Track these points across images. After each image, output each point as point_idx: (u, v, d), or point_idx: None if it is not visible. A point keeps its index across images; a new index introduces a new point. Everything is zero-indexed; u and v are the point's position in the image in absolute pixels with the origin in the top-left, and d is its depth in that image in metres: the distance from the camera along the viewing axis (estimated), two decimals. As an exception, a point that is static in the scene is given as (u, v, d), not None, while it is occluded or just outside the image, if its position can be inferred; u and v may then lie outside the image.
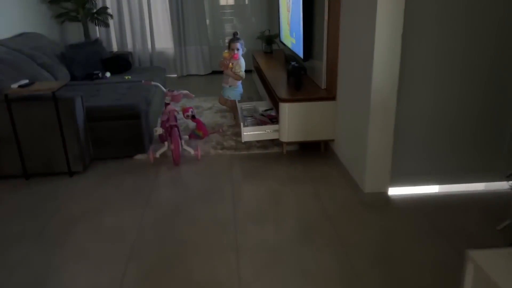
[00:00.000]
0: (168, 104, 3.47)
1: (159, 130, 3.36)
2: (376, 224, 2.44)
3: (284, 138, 3.26)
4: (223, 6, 6.45)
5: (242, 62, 3.85)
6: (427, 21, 2.41)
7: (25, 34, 4.51)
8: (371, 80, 2.39)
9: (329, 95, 3.18)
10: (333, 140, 3.27)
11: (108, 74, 4.49)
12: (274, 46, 5.28)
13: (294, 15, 3.85)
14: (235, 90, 3.98)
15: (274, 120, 3.65)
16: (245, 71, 3.94)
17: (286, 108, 3.16)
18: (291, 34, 4.10)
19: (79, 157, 3.15)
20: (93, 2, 5.74)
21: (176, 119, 3.39)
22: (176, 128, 3.31)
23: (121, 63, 4.72)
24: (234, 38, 3.86)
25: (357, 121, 2.71)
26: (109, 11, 5.93)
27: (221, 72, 4.08)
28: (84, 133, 3.20)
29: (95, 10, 5.76)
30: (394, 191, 2.72)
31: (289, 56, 4.46)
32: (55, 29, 5.65)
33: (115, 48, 6.30)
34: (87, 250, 2.28)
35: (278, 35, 5.04)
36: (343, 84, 3.00)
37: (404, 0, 2.25)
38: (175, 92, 3.46)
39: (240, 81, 3.97)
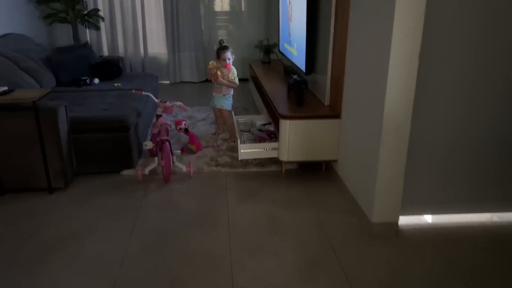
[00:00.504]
0: (159, 116, 3.23)
1: (149, 145, 3.11)
2: (385, 259, 2.22)
3: (284, 157, 3.03)
4: (219, 12, 6.23)
5: (233, 68, 3.68)
6: (447, 40, 2.21)
7: (10, 35, 4.25)
8: (384, 100, 2.17)
9: (333, 112, 2.97)
10: (336, 161, 3.05)
11: (96, 81, 4.23)
12: (273, 56, 5.07)
13: (296, 25, 3.64)
14: (228, 99, 3.77)
15: (272, 136, 3.43)
16: (240, 79, 3.75)
17: (287, 125, 2.93)
18: (292, 45, 3.89)
19: (61, 173, 2.88)
20: (84, 3, 5.48)
21: (168, 133, 3.15)
22: (167, 143, 3.07)
23: (111, 68, 4.47)
24: (223, 47, 3.62)
25: (365, 143, 2.49)
26: (101, 13, 5.68)
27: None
28: (67, 146, 2.94)
29: (85, 12, 5.49)
30: (405, 221, 2.50)
31: (288, 67, 4.25)
32: (43, 31, 5.38)
33: (105, 52, 6.04)
34: (62, 284, 2.02)
35: (277, 44, 4.83)
36: (349, 102, 2.78)
37: (423, 16, 2.05)
38: (168, 103, 3.22)
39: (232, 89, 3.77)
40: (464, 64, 2.27)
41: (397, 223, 2.41)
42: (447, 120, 2.36)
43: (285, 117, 2.93)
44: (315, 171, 3.22)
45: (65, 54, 4.31)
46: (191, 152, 3.50)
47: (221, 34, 6.31)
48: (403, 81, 2.14)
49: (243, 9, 6.21)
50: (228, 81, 3.65)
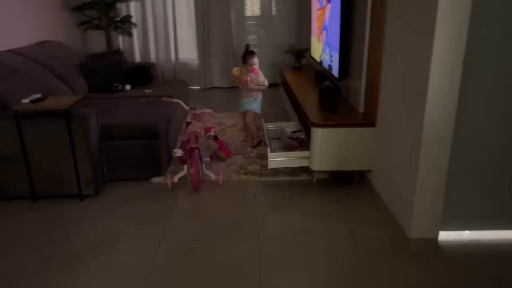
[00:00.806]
0: (189, 123, 3.20)
1: (178, 152, 3.09)
2: (424, 278, 2.08)
3: (315, 167, 2.93)
4: (249, 17, 6.18)
5: (259, 71, 3.63)
6: (493, 46, 2.07)
7: (45, 42, 4.34)
8: (424, 110, 2.05)
9: (368, 120, 2.85)
10: (370, 171, 2.93)
11: (128, 87, 4.26)
12: (304, 61, 4.98)
13: (330, 30, 3.54)
14: (258, 102, 3.73)
15: (303, 144, 3.33)
16: (270, 84, 3.71)
17: (319, 134, 2.83)
18: (324, 50, 3.79)
19: (91, 180, 2.90)
20: (117, 10, 5.56)
21: (197, 141, 3.11)
22: (197, 151, 3.03)
23: (142, 75, 4.50)
24: (250, 51, 3.58)
25: (403, 154, 2.37)
26: (133, 19, 5.75)
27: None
28: (98, 153, 2.95)
29: (118, 19, 5.58)
30: (444, 236, 2.35)
31: (320, 73, 4.15)
32: (78, 38, 5.50)
33: (138, 58, 6.11)
34: (90, 295, 2.00)
35: (308, 49, 4.74)
36: (385, 110, 2.66)
37: (467, 19, 1.91)
38: (198, 111, 3.19)
39: None
40: (511, 71, 2.12)
41: (437, 239, 2.27)
42: (491, 131, 2.20)
43: (317, 125, 2.83)
44: (347, 181, 3.10)
45: (98, 61, 4.38)
46: (220, 159, 3.46)
47: (251, 39, 6.27)
48: (445, 89, 2.01)
49: (273, 13, 6.15)
50: (258, 84, 3.60)
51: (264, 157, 3.50)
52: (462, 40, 1.94)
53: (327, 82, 3.21)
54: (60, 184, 2.90)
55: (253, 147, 3.73)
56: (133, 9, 5.92)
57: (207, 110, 3.20)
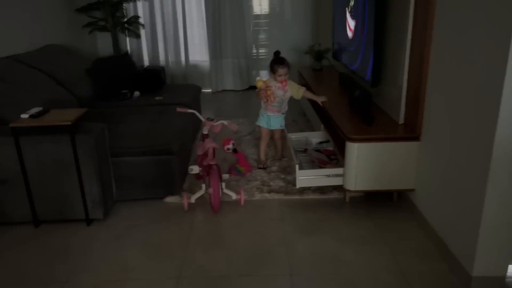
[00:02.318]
0: (206, 135, 2.88)
1: (194, 169, 2.77)
2: (495, 327, 1.75)
3: (351, 186, 2.59)
4: (262, 15, 5.84)
5: (292, 82, 3.15)
6: None
7: (48, 47, 4.05)
8: (496, 128, 1.70)
9: (411, 133, 2.50)
10: (413, 190, 2.58)
11: (137, 94, 3.95)
12: (324, 61, 4.63)
13: (359, 26, 3.19)
14: (285, 116, 3.30)
15: (332, 157, 3.00)
16: None
17: (354, 149, 2.50)
18: (353, 49, 3.43)
19: (99, 202, 2.59)
20: (124, 10, 5.25)
21: (215, 156, 2.79)
22: (215, 168, 2.71)
23: (152, 80, 4.18)
24: (279, 59, 3.04)
25: (461, 176, 2.02)
26: (141, 20, 5.44)
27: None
28: (106, 172, 2.64)
29: (125, 19, 5.27)
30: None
31: (344, 75, 3.80)
32: (86, 40, 5.20)
33: (146, 60, 5.81)
34: None
35: (330, 49, 4.39)
36: (433, 122, 2.31)
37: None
38: (215, 122, 2.87)
39: None
40: None
41: (505, 277, 1.93)
42: None
43: (353, 139, 2.50)
44: (385, 200, 2.76)
45: (105, 66, 4.07)
46: (240, 174, 3.14)
47: (264, 39, 5.94)
48: (522, 104, 1.66)
49: (288, 11, 5.81)
50: (310, 97, 3.24)
51: (287, 171, 3.18)
52: (545, 43, 1.60)
53: (358, 90, 2.86)
54: (64, 208, 2.59)
55: (262, 168, 3.28)
56: (141, 9, 5.62)
57: (225, 122, 2.87)
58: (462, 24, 1.97)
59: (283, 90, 3.07)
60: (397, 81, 2.64)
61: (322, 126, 3.30)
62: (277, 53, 3.11)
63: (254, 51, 5.95)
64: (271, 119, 3.19)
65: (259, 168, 3.25)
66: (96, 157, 2.51)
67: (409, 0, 2.41)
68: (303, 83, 4.48)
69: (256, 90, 3.12)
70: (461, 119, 1.99)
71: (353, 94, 2.96)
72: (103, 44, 5.55)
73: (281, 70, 2.99)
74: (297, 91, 3.11)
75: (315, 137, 3.34)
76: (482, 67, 1.81)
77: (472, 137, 1.90)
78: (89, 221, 2.61)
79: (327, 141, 3.24)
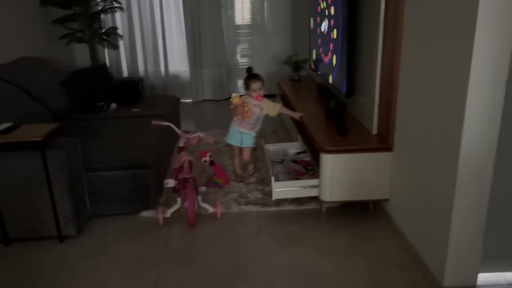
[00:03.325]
0: (182, 148, 2.86)
1: (170, 183, 2.74)
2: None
3: (326, 197, 2.60)
4: (242, 25, 5.87)
5: (267, 100, 3.06)
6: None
7: (23, 59, 3.97)
8: (461, 140, 1.74)
9: (384, 144, 2.53)
10: (387, 200, 2.61)
11: (114, 106, 3.91)
12: (302, 72, 4.67)
13: (333, 37, 3.22)
14: (256, 135, 3.22)
15: (309, 168, 3.01)
16: (266, 95, 3.20)
17: (329, 160, 2.51)
18: (328, 60, 3.47)
19: (72, 218, 2.54)
20: (101, 21, 5.21)
21: (191, 169, 2.78)
22: (191, 181, 2.69)
23: (129, 92, 4.14)
24: (252, 75, 3.01)
25: (431, 186, 2.05)
26: (119, 31, 5.40)
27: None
28: (79, 187, 2.60)
29: (103, 31, 5.23)
30: (482, 278, 2.03)
31: (321, 86, 3.83)
32: (63, 52, 5.13)
33: (125, 71, 5.76)
34: None
35: (307, 60, 4.43)
36: (404, 132, 2.35)
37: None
38: (191, 134, 2.85)
39: None
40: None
41: (475, 286, 1.95)
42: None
43: (327, 151, 2.51)
44: (361, 210, 2.78)
45: (81, 78, 4.02)
46: (218, 186, 3.13)
47: (244, 48, 5.97)
48: (486, 115, 1.70)
49: (267, 21, 5.85)
50: (286, 113, 3.19)
51: (265, 182, 3.18)
52: (505, 57, 1.63)
53: (332, 102, 2.89)
54: (36, 225, 2.53)
55: (239, 181, 3.24)
56: (119, 21, 5.58)
57: (201, 134, 2.86)
58: (427, 39, 2.01)
59: (259, 108, 3.01)
60: (370, 93, 2.68)
61: (299, 136, 3.31)
62: (249, 69, 3.08)
63: (236, 61, 5.97)
64: (244, 137, 3.12)
65: (236, 181, 3.23)
66: (68, 173, 2.47)
67: (379, 15, 2.45)
68: (281, 93, 4.51)
69: (231, 106, 3.05)
70: (430, 131, 2.02)
71: (328, 105, 2.98)
72: (81, 55, 5.48)
73: (255, 84, 2.94)
74: (273, 108, 3.04)
75: (293, 148, 3.35)
76: (446, 81, 1.84)
77: (440, 148, 1.93)
78: (61, 239, 2.56)
79: (304, 152, 3.25)
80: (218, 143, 4.07)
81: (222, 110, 5.56)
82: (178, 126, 4.36)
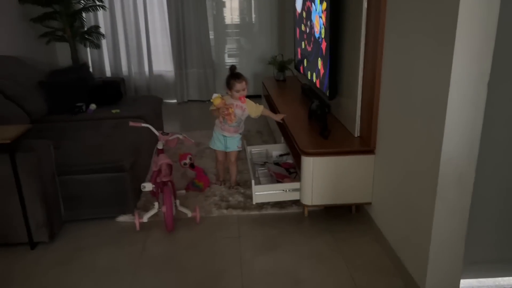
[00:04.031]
0: (161, 150, 2.78)
1: (147, 187, 2.65)
2: None
3: (308, 201, 2.54)
4: (228, 25, 5.80)
5: (249, 101, 2.93)
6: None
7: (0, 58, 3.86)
8: (442, 143, 1.69)
9: (366, 146, 2.48)
10: (369, 203, 2.56)
11: (93, 107, 3.81)
12: (288, 72, 4.61)
13: (317, 38, 3.17)
14: (241, 137, 3.07)
15: (292, 171, 2.95)
16: (252, 96, 3.13)
17: (310, 163, 2.45)
18: (312, 61, 3.41)
19: (44, 224, 2.44)
20: (83, 20, 5.09)
21: (170, 172, 2.70)
22: (170, 184, 2.62)
23: (109, 93, 4.04)
24: (235, 74, 2.83)
25: (412, 189, 2.00)
26: (101, 30, 5.29)
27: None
28: (52, 192, 2.51)
29: (85, 29, 5.11)
30: (464, 284, 1.99)
31: (306, 86, 3.78)
32: (42, 51, 5.00)
33: (108, 71, 5.65)
34: None
35: (292, 60, 4.37)
36: (386, 134, 2.30)
37: (494, 34, 1.56)
38: (170, 136, 2.77)
39: None
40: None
41: (456, 293, 1.91)
42: (517, 162, 1.86)
43: (308, 154, 2.45)
44: (343, 214, 2.72)
45: (59, 78, 3.92)
46: (198, 189, 3.05)
47: (231, 48, 5.89)
48: (467, 118, 1.65)
49: (253, 21, 5.79)
50: (267, 114, 3.06)
51: (247, 185, 3.10)
52: (487, 57, 1.59)
53: (315, 102, 2.83)
54: (7, 231, 2.43)
55: (221, 184, 3.14)
56: (102, 19, 5.46)
57: (181, 136, 2.78)
58: (408, 39, 1.96)
59: (241, 109, 2.88)
60: (352, 94, 2.62)
61: (282, 138, 3.24)
62: (233, 68, 2.88)
63: (222, 60, 5.89)
64: (228, 141, 2.97)
65: (218, 184, 3.13)
66: (39, 177, 2.37)
67: (361, 16, 2.40)
68: (266, 94, 4.45)
69: (212, 108, 2.89)
70: (411, 134, 1.97)
71: (310, 106, 2.92)
72: (63, 55, 5.35)
73: (239, 85, 2.79)
74: (255, 110, 2.92)
75: (276, 150, 3.29)
76: (427, 82, 1.79)
77: (421, 152, 1.88)
78: (33, 245, 2.46)
79: (287, 154, 3.19)
80: (201, 145, 4.00)
81: (207, 111, 5.44)
82: (161, 128, 4.28)
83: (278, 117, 3.05)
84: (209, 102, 5.82)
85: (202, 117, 5.18)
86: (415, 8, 1.88)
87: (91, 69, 5.59)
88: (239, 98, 2.85)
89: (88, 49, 5.44)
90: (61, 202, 2.63)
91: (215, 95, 2.85)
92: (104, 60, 5.61)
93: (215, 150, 3.07)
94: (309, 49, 3.42)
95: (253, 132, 4.33)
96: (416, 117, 1.91)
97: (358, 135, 2.61)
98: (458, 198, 1.75)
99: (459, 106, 1.64)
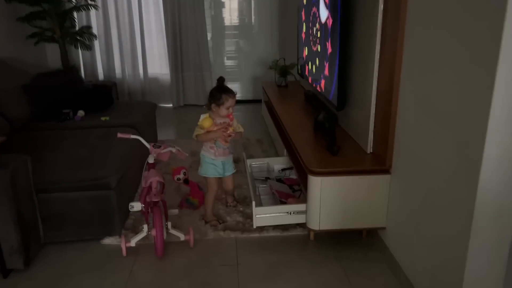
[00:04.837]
0: (152, 165, 2.51)
1: (136, 206, 2.37)
2: None
3: (314, 225, 2.28)
4: (227, 26, 5.55)
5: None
6: None
7: (-19, 60, 3.59)
8: (480, 167, 1.43)
9: (381, 165, 2.22)
10: (383, 228, 2.30)
11: (81, 113, 3.54)
12: (290, 77, 4.35)
13: (323, 42, 2.91)
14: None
15: (296, 188, 2.69)
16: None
17: (318, 184, 2.19)
18: (317, 67, 3.16)
19: (19, 249, 2.17)
20: (74, 20, 4.83)
21: (162, 190, 2.44)
22: (161, 204, 2.35)
23: (100, 98, 3.78)
24: (226, 88, 2.42)
25: (438, 218, 1.74)
26: (94, 31, 5.02)
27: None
28: (30, 212, 2.24)
29: (76, 30, 4.84)
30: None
31: (309, 93, 3.53)
32: (32, 52, 4.73)
33: (101, 74, 5.38)
34: None
35: (295, 64, 4.11)
36: (405, 152, 2.04)
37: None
38: (162, 149, 2.50)
39: None
40: None
41: None
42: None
43: (316, 173, 2.19)
44: (353, 237, 2.46)
45: (45, 82, 3.63)
46: (193, 207, 2.79)
47: (230, 51, 5.64)
48: (509, 141, 1.39)
49: (253, 22, 5.54)
50: (239, 133, 2.56)
51: (247, 202, 2.84)
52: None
53: (322, 113, 2.57)
54: (-24, 257, 2.17)
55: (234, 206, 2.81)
56: (94, 19, 5.19)
57: (173, 149, 2.51)
58: (437, 41, 1.70)
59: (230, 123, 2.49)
60: (364, 104, 2.36)
61: (285, 151, 2.98)
62: (221, 80, 2.47)
63: (220, 63, 5.64)
64: (225, 165, 2.54)
65: (211, 225, 2.58)
66: (13, 196, 2.10)
67: (376, 18, 2.14)
68: (266, 100, 4.19)
69: (198, 132, 2.43)
70: (437, 153, 1.71)
71: (316, 118, 2.66)
72: (53, 56, 5.08)
73: (232, 100, 2.37)
74: (238, 128, 2.54)
75: (278, 163, 3.02)
76: (461, 94, 1.54)
77: (451, 176, 1.62)
78: (6, 273, 2.19)
79: (290, 168, 2.93)
80: (196, 155, 3.73)
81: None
82: (154, 136, 4.02)
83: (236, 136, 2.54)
84: (205, 107, 5.60)
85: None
86: (446, 4, 1.63)
87: (82, 72, 5.34)
88: (228, 116, 2.45)
89: (79, 50, 5.18)
90: (39, 222, 2.37)
91: (203, 116, 2.46)
92: (97, 62, 5.35)
93: (206, 180, 2.58)
94: (314, 51, 3.16)
95: (253, 140, 4.07)
96: (445, 135, 1.65)
97: (371, 151, 2.35)
98: (497, 235, 1.49)
99: (503, 125, 1.38)
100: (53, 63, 5.06)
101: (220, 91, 2.39)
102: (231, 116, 2.47)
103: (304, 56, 3.63)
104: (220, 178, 2.60)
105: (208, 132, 2.43)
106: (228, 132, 2.43)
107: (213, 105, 2.40)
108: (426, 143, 1.81)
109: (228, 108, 2.39)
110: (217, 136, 2.43)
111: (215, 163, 2.52)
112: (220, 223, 2.60)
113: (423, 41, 1.80)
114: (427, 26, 1.76)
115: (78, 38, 4.80)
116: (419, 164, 1.89)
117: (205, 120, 2.42)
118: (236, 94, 2.44)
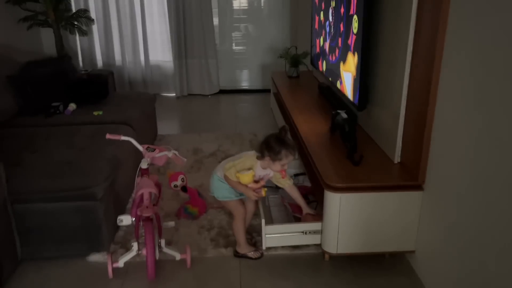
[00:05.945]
0: (145, 171, 2.19)
1: (125, 220, 2.05)
2: None
3: (331, 248, 1.96)
4: (235, 10, 5.16)
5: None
6: None
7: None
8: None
9: (412, 179, 1.87)
10: (412, 252, 1.96)
11: (72, 107, 3.22)
12: (302, 66, 3.98)
13: (343, 28, 2.54)
14: None
15: (311, 198, 2.35)
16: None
17: (337, 201, 1.85)
18: (335, 58, 2.79)
19: (-11, 270, 1.89)
20: (69, 3, 4.48)
21: (156, 202, 2.12)
22: (154, 218, 2.04)
23: (94, 89, 3.45)
24: (288, 144, 1.93)
25: (483, 245, 1.40)
26: (91, 14, 4.67)
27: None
28: (4, 226, 1.95)
29: (71, 14, 4.50)
30: None
31: (324, 85, 3.16)
32: (24, 38, 4.41)
33: (100, 61, 5.05)
34: None
35: (308, 53, 3.74)
36: (443, 164, 1.69)
37: None
38: (157, 152, 2.18)
39: None
40: None
41: None
42: None
43: (335, 189, 1.85)
44: (374, 258, 2.13)
45: (34, 72, 3.31)
46: (192, 217, 2.48)
47: (237, 36, 5.26)
48: None
49: (262, 5, 5.14)
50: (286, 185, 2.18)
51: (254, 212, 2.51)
52: None
53: (341, 114, 2.22)
54: None
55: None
56: (92, 2, 4.84)
57: (170, 153, 2.19)
58: (487, 38, 1.33)
59: (268, 177, 2.11)
60: (392, 103, 2.00)
61: (297, 154, 2.63)
62: (285, 130, 1.98)
63: (227, 50, 5.28)
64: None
65: (254, 257, 2.17)
66: (-21, 212, 1.81)
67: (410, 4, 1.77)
68: (275, 92, 3.84)
69: (232, 178, 2.02)
70: (488, 168, 1.37)
71: (334, 118, 2.31)
72: (48, 42, 4.74)
73: (291, 158, 1.95)
74: (285, 182, 2.16)
75: (289, 167, 2.66)
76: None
77: (506, 197, 1.27)
78: (-26, 297, 1.91)
79: (303, 174, 2.59)
80: (199, 153, 3.42)
81: (210, 107, 4.90)
82: (154, 131, 3.71)
83: (305, 210, 2.16)
84: (212, 96, 5.27)
85: (204, 115, 4.60)
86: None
87: (80, 60, 5.02)
88: (281, 172, 2.04)
89: (77, 36, 4.84)
90: (16, 237, 2.08)
91: (246, 172, 2.00)
92: (95, 48, 5.02)
93: (227, 204, 2.16)
94: (332, 42, 2.79)
95: (261, 137, 3.70)
96: (500, 145, 1.30)
97: (399, 161, 2.00)
98: None
99: None
100: (49, 50, 4.73)
101: (281, 144, 1.93)
102: (283, 173, 2.06)
103: (318, 44, 3.25)
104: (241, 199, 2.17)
105: (240, 184, 2.03)
106: (259, 195, 2.05)
107: (267, 158, 1.96)
108: (472, 154, 1.46)
109: (284, 165, 1.97)
110: (246, 195, 2.05)
111: (230, 188, 2.11)
112: (261, 252, 2.18)
113: (470, 37, 1.43)
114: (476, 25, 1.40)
115: (74, 22, 4.46)
116: (460, 178, 1.54)
117: (245, 177, 1.98)
118: (297, 151, 1.97)
